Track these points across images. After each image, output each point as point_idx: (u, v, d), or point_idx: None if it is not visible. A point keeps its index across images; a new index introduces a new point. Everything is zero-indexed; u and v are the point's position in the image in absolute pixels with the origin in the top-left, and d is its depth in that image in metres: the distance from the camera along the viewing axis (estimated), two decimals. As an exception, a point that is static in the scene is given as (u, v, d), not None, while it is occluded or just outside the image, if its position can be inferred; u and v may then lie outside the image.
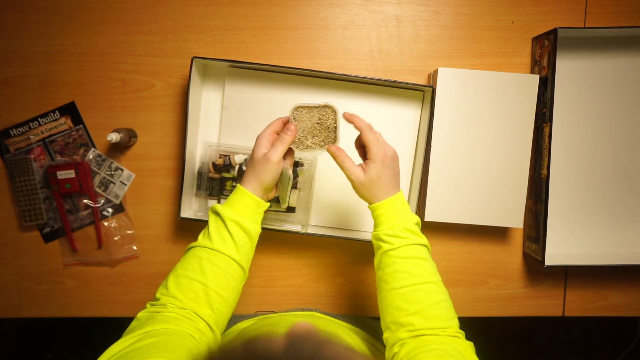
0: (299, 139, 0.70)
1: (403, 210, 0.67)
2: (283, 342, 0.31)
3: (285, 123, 0.70)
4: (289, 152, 0.70)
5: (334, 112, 0.70)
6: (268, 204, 0.70)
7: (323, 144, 0.71)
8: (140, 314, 0.60)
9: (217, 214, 0.66)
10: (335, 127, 0.70)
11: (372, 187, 0.67)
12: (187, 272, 0.63)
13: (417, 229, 0.68)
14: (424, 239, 0.67)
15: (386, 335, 0.64)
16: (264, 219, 0.84)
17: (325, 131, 0.71)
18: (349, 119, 0.69)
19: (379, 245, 0.67)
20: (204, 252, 0.64)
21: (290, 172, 0.70)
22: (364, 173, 0.66)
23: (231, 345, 0.31)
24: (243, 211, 0.66)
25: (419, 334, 0.60)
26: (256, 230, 0.68)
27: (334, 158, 0.69)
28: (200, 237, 0.67)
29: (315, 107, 0.70)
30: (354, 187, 0.68)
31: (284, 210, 0.84)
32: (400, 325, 0.62)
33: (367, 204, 0.69)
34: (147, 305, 0.62)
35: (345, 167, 0.68)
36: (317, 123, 0.71)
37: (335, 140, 0.70)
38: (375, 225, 0.68)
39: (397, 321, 0.62)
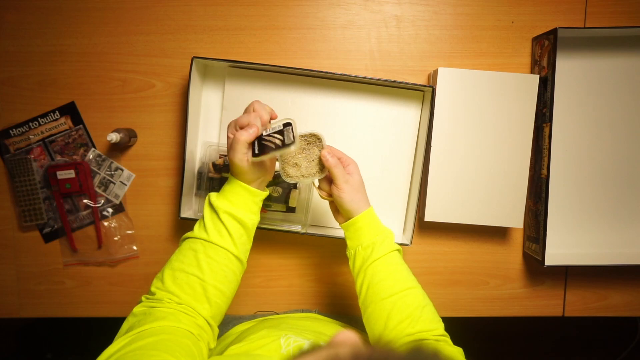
0: (284, 166, 0.67)
1: (376, 220, 0.71)
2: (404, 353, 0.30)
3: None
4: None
5: (319, 139, 0.67)
6: (265, 193, 0.67)
7: (307, 173, 0.67)
8: (137, 309, 0.59)
9: (210, 205, 0.64)
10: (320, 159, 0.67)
11: (354, 197, 0.68)
12: (184, 265, 0.61)
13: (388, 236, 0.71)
14: (396, 244, 0.72)
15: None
16: (265, 220, 0.84)
17: (309, 161, 0.68)
18: (325, 160, 0.66)
19: (365, 257, 0.68)
20: (200, 245, 0.62)
21: (292, 136, 0.63)
22: (349, 179, 0.68)
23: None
24: (236, 201, 0.64)
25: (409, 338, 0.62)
26: (252, 221, 0.66)
27: (329, 166, 0.66)
28: (196, 227, 0.65)
29: (301, 136, 0.67)
30: (340, 200, 0.68)
31: (284, 209, 0.84)
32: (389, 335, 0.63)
33: (345, 220, 0.70)
34: (143, 299, 0.60)
35: (336, 175, 0.67)
36: (303, 150, 0.67)
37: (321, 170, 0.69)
38: (357, 238, 0.70)
39: (386, 335, 0.64)
